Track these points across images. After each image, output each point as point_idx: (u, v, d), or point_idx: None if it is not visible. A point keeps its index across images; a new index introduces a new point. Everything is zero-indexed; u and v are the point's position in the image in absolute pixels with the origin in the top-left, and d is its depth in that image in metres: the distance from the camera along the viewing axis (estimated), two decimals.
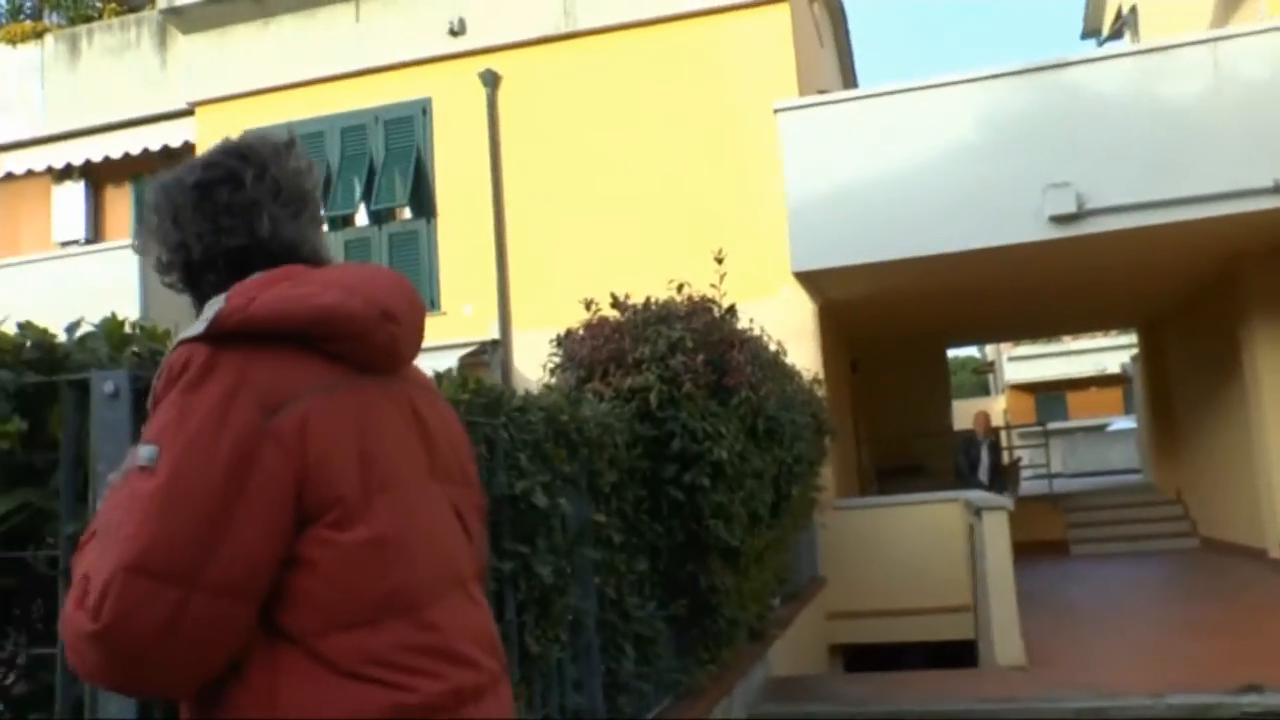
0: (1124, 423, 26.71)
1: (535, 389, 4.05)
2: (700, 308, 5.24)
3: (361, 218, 11.21)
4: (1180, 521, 13.87)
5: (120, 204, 13.30)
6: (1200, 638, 7.78)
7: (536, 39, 10.88)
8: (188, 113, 12.04)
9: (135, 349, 1.76)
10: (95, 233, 13.18)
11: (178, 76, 12.18)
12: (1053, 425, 22.02)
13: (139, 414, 1.47)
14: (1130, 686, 6.05)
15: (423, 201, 11.04)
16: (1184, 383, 14.06)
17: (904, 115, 9.30)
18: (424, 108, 11.14)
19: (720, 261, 5.52)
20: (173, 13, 11.89)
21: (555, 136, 10.71)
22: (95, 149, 12.59)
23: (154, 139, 12.27)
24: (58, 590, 1.62)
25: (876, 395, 14.94)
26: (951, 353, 20.89)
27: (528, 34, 10.89)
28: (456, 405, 2.08)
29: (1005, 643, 7.17)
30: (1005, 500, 8.13)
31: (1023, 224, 8.75)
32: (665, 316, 5.06)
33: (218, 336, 1.31)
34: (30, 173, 13.00)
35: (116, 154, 12.50)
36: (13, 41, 13.14)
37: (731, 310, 5.44)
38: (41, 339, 1.70)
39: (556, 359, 5.09)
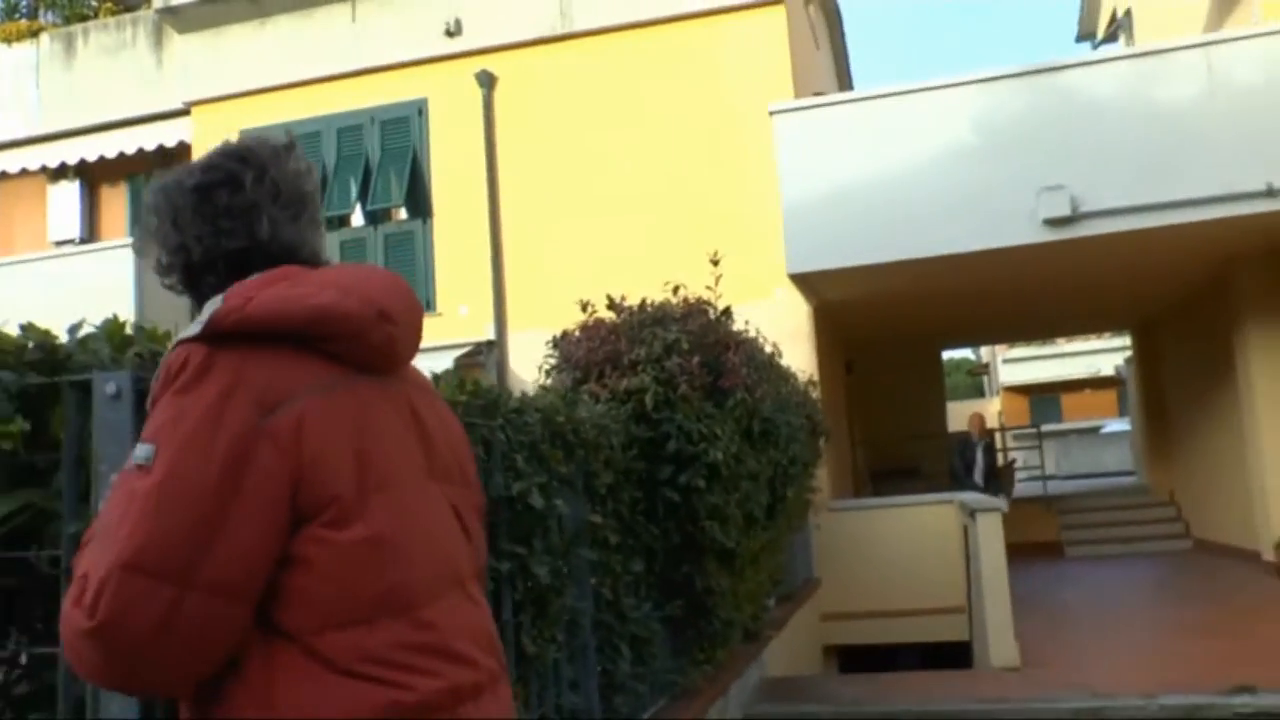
0: (1118, 425, 26.75)
1: (531, 390, 4.06)
2: (696, 310, 5.26)
3: (357, 218, 11.21)
4: (1174, 523, 13.91)
5: (115, 204, 13.29)
6: (1193, 639, 7.81)
7: (532, 40, 10.89)
8: (183, 112, 12.03)
9: (137, 350, 1.77)
10: (90, 232, 13.17)
11: (173, 76, 12.17)
12: (1047, 427, 22.03)
13: (141, 415, 1.48)
14: (1124, 687, 6.08)
15: (418, 202, 11.05)
16: (1178, 385, 14.11)
17: (899, 117, 9.33)
18: (420, 108, 11.15)
19: (716, 263, 5.54)
20: (168, 12, 11.88)
21: (551, 137, 10.72)
22: (90, 148, 12.58)
23: (149, 139, 12.26)
24: (60, 590, 1.63)
25: (871, 397, 14.97)
26: (946, 354, 20.92)
27: (524, 35, 10.90)
28: (454, 406, 2.09)
29: (999, 644, 7.19)
30: (999, 502, 8.15)
31: (1017, 227, 8.77)
32: (661, 318, 5.07)
33: (215, 336, 1.32)
34: (25, 172, 12.98)
35: (112, 154, 12.49)
36: (8, 40, 13.13)
37: (727, 312, 5.45)
38: (43, 340, 1.71)
39: (552, 360, 5.10)
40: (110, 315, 1.85)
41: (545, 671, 3.40)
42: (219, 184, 1.50)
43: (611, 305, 5.18)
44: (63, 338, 1.79)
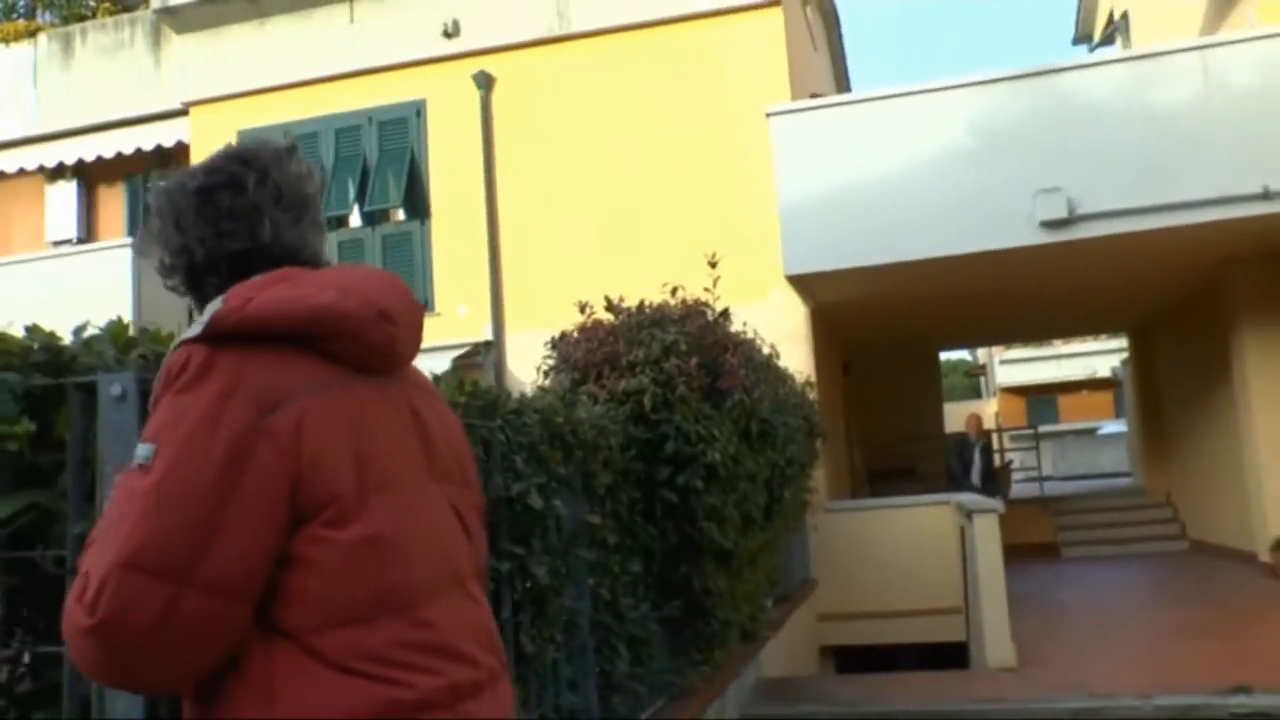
0: (1114, 426, 26.78)
1: (528, 390, 4.07)
2: (694, 311, 5.27)
3: (355, 219, 11.22)
4: (1170, 524, 13.93)
5: (113, 204, 13.28)
6: (1189, 640, 7.83)
7: (530, 41, 10.90)
8: (181, 113, 12.02)
9: (141, 351, 1.78)
10: (88, 232, 13.16)
11: (171, 76, 12.16)
12: (1044, 428, 22.04)
13: (145, 416, 1.49)
14: (1120, 688, 6.10)
15: (416, 203, 11.06)
16: (1174, 387, 14.13)
17: (896, 120, 9.34)
18: (418, 109, 11.16)
19: (714, 265, 5.56)
20: (167, 12, 11.88)
21: (548, 139, 10.73)
22: (88, 148, 12.57)
23: (147, 139, 12.25)
24: (65, 590, 1.64)
25: (868, 398, 14.99)
26: (943, 356, 20.93)
27: (521, 36, 10.91)
28: (453, 407, 2.10)
29: (996, 644, 7.21)
30: (996, 503, 8.16)
31: (1014, 229, 8.79)
32: (659, 320, 5.09)
33: (215, 337, 1.33)
34: (23, 172, 12.97)
35: (110, 154, 12.47)
36: (5, 40, 13.12)
37: (725, 314, 5.47)
38: (48, 342, 1.72)
39: (551, 361, 5.11)
40: (113, 317, 1.86)
41: (544, 671, 3.41)
42: (221, 186, 1.52)
43: (610, 307, 5.19)
44: (65, 339, 1.80)
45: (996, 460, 13.72)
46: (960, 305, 12.24)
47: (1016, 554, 9.46)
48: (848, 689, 7.01)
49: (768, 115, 9.57)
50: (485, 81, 10.90)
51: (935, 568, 9.28)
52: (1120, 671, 6.75)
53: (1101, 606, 9.71)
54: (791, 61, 10.39)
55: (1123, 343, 20.33)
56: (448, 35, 11.08)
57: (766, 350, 6.40)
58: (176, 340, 1.37)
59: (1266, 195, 8.26)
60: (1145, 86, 8.85)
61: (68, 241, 12.90)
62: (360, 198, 11.07)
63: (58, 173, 13.09)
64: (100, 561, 1.23)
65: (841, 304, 10.83)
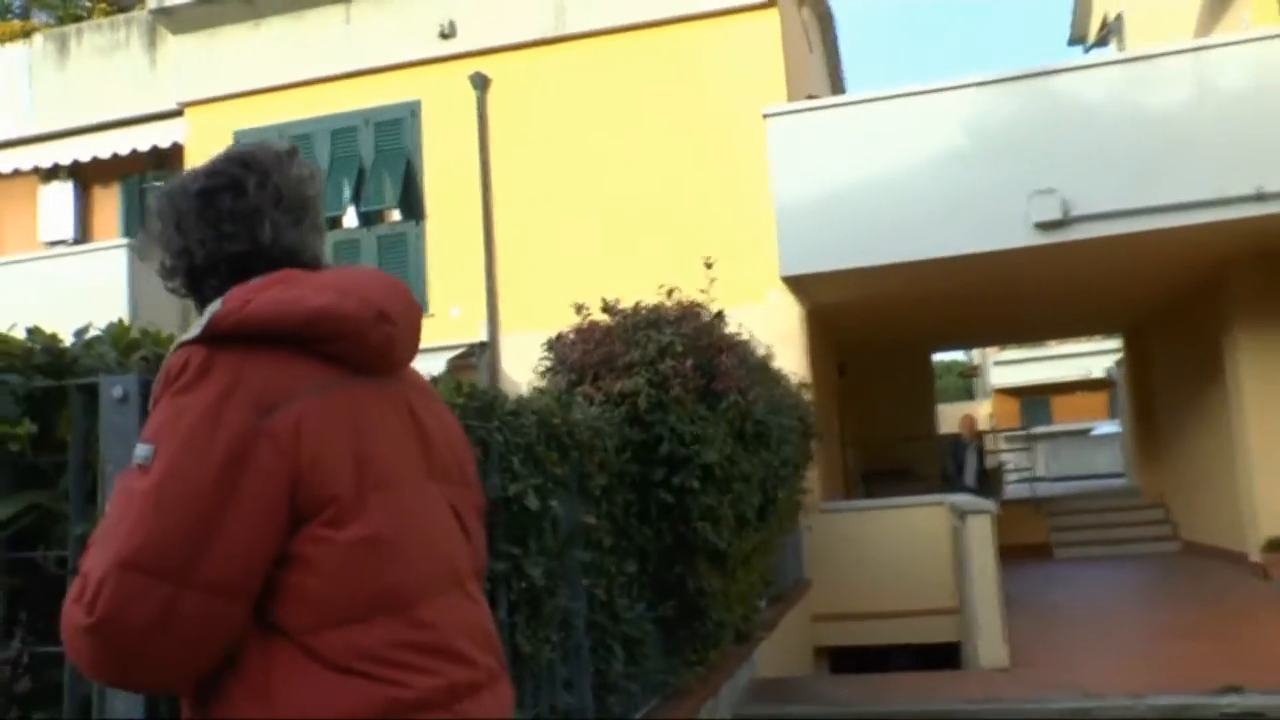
0: (1108, 427, 26.81)
1: (523, 391, 4.08)
2: (689, 312, 5.28)
3: (350, 219, 11.21)
4: (1162, 525, 13.98)
5: (108, 204, 13.26)
6: (1181, 640, 7.86)
7: (526, 42, 10.91)
8: (177, 113, 12.01)
9: (142, 353, 1.79)
10: (83, 233, 13.14)
11: (167, 77, 12.16)
12: (1037, 429, 22.13)
13: (147, 417, 1.51)
14: (1112, 688, 6.12)
15: (412, 204, 11.06)
16: (1167, 388, 14.17)
17: (891, 121, 9.36)
18: (413, 110, 11.16)
19: (710, 267, 5.58)
20: (163, 13, 11.87)
21: (544, 140, 10.74)
22: (83, 149, 12.54)
23: (143, 139, 12.24)
24: (66, 590, 1.65)
25: (863, 399, 15.01)
26: (937, 357, 20.99)
27: (518, 37, 10.92)
28: (451, 409, 2.12)
29: (989, 645, 7.24)
30: (989, 504, 8.19)
31: (1009, 230, 8.82)
32: (655, 321, 5.10)
33: (214, 338, 1.34)
34: (17, 172, 12.95)
35: (105, 154, 12.45)
36: (0, 41, 13.09)
37: (720, 315, 5.48)
38: (50, 344, 1.73)
39: (547, 362, 5.12)
40: (108, 317, 1.87)
41: (540, 671, 3.42)
42: (222, 189, 1.52)
43: (606, 308, 5.21)
44: (61, 339, 1.81)
45: (989, 461, 13.74)
46: (955, 306, 12.27)
47: (1010, 555, 9.46)
48: (841, 689, 7.02)
49: (764, 116, 9.58)
50: (481, 82, 10.91)
51: (929, 568, 9.30)
52: (1113, 671, 6.77)
53: (1094, 607, 9.74)
54: (787, 63, 10.41)
55: (1117, 344, 20.38)
56: (444, 36, 11.09)
57: (762, 351, 6.41)
58: (176, 342, 1.38)
59: (1260, 197, 8.30)
60: (1139, 88, 8.88)
61: (62, 242, 12.88)
62: (356, 198, 11.07)
63: (52, 173, 13.07)
64: (99, 561, 1.24)
65: (836, 305, 10.85)
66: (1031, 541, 13.52)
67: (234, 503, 1.27)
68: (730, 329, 5.60)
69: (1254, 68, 8.60)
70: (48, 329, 1.81)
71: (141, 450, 1.29)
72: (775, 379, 6.79)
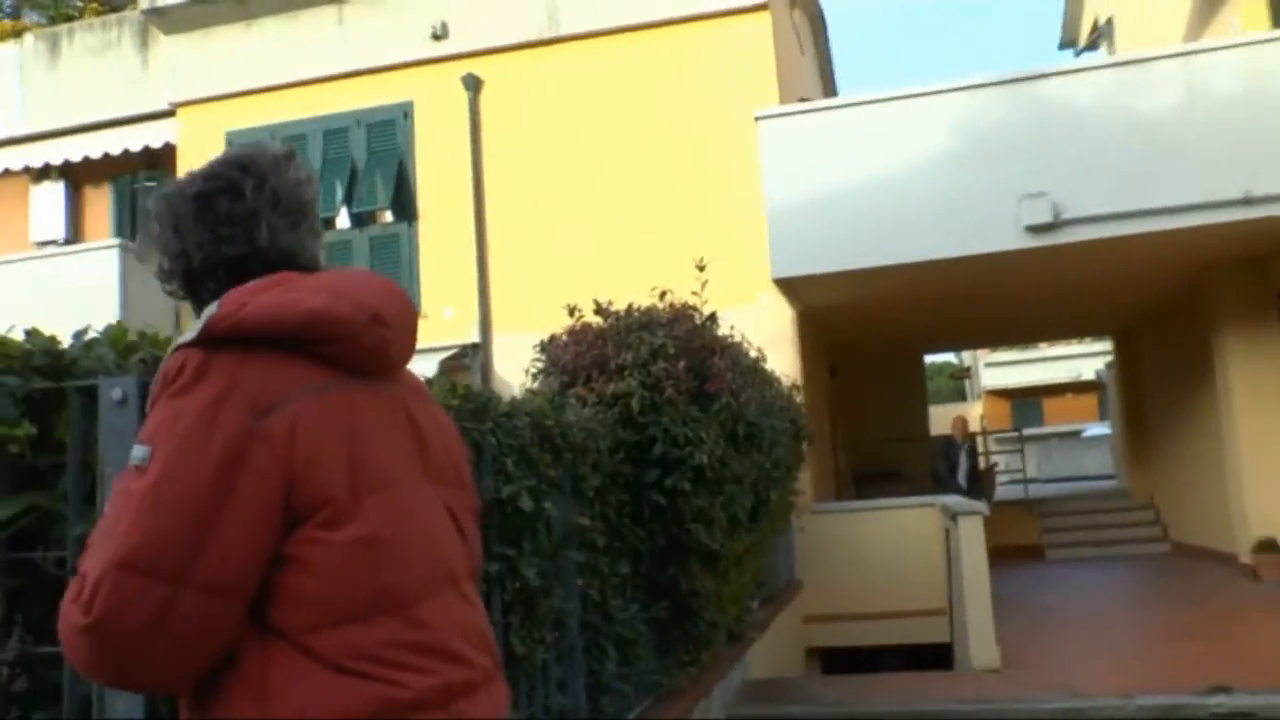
0: (1098, 429, 26.94)
1: (516, 392, 4.10)
2: (682, 315, 5.30)
3: (342, 220, 11.20)
4: (1153, 526, 14.03)
5: (100, 204, 13.23)
6: (1171, 641, 7.89)
7: (519, 44, 10.91)
8: (169, 114, 11.99)
9: (141, 356, 1.80)
10: (74, 233, 13.11)
11: (159, 77, 12.13)
12: (1028, 431, 22.18)
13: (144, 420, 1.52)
14: (1102, 688, 6.15)
15: (404, 205, 11.06)
16: (1157, 389, 14.23)
17: (883, 124, 9.38)
18: (406, 111, 11.16)
19: (702, 269, 5.59)
20: (155, 13, 11.85)
21: (537, 141, 10.74)
22: (75, 149, 12.52)
23: (135, 139, 12.21)
24: (64, 590, 1.66)
25: (854, 400, 15.05)
26: (929, 358, 21.04)
27: (510, 39, 10.92)
28: (445, 410, 2.13)
29: (980, 645, 7.26)
30: (981, 505, 8.22)
31: (999, 233, 8.85)
32: (647, 323, 5.11)
33: (211, 341, 1.35)
34: (8, 172, 12.91)
35: (96, 154, 12.43)
36: None
37: (713, 317, 5.50)
38: (49, 346, 1.74)
39: (540, 364, 5.13)
40: (99, 318, 1.88)
41: (534, 671, 3.44)
42: (220, 192, 1.53)
43: (598, 310, 5.22)
44: (57, 341, 1.82)
45: (982, 463, 13.79)
46: (946, 308, 12.30)
47: (1001, 556, 9.52)
48: (833, 690, 7.04)
49: (755, 119, 9.60)
50: (474, 84, 10.92)
51: (920, 569, 9.33)
52: (1103, 672, 6.80)
53: (1085, 608, 9.78)
54: (779, 65, 10.43)
55: (1107, 346, 20.44)
56: (436, 37, 11.09)
57: (753, 353, 6.43)
58: (173, 345, 1.39)
59: (1248, 201, 8.34)
60: (1129, 92, 8.92)
61: (53, 242, 12.85)
62: (348, 199, 11.06)
63: (44, 173, 13.04)
64: (96, 561, 1.25)
65: (828, 307, 10.87)
66: (1023, 543, 13.58)
67: (230, 504, 1.28)
68: (722, 331, 5.61)
69: (1243, 72, 8.65)
70: (40, 329, 1.82)
71: (138, 452, 1.30)
72: (767, 381, 6.80)
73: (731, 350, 5.61)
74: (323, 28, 11.44)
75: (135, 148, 12.22)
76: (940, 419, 17.83)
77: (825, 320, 11.55)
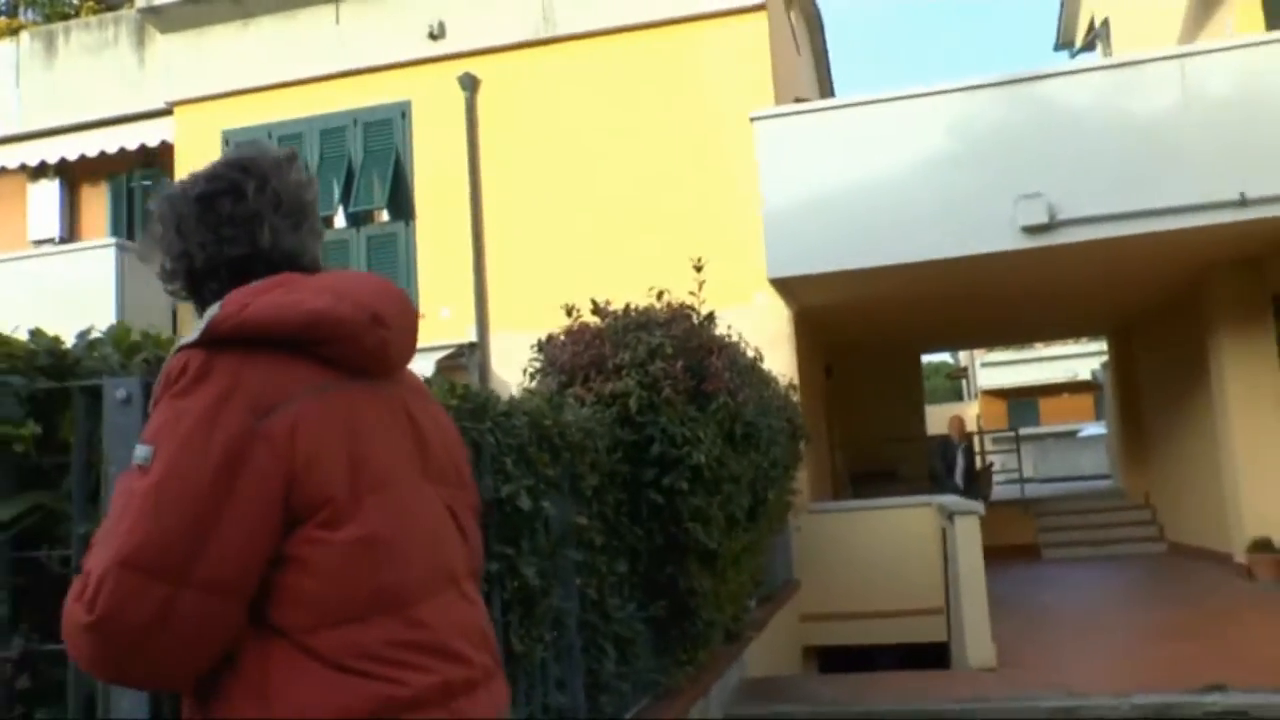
0: (1094, 429, 26.99)
1: (513, 391, 4.10)
2: (679, 314, 5.31)
3: (340, 220, 11.21)
4: (1148, 526, 14.06)
5: (96, 203, 13.22)
6: (1167, 640, 7.91)
7: (516, 44, 10.92)
8: (166, 112, 11.97)
9: (144, 356, 1.81)
10: (70, 232, 13.09)
11: (156, 76, 12.12)
12: (1024, 431, 22.20)
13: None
14: (1098, 687, 6.17)
15: (401, 204, 11.06)
16: (1153, 390, 14.26)
17: (879, 125, 9.40)
18: (403, 110, 11.16)
19: (699, 269, 5.60)
20: (151, 12, 11.84)
21: (533, 141, 10.75)
22: (71, 147, 12.50)
23: (131, 138, 12.20)
24: (68, 589, 1.67)
25: (851, 400, 15.06)
26: (925, 358, 21.05)
27: (507, 38, 10.93)
28: (445, 410, 2.14)
29: (976, 645, 7.28)
30: (977, 505, 8.24)
31: (996, 233, 8.86)
32: (645, 323, 5.12)
33: (213, 342, 1.36)
34: (4, 170, 12.90)
35: (93, 153, 12.41)
36: None
37: (710, 317, 5.51)
38: (52, 346, 1.75)
39: (537, 363, 5.14)
40: (99, 317, 1.89)
41: (533, 670, 3.45)
42: (222, 193, 1.55)
43: (596, 310, 5.23)
44: (64, 341, 1.82)
45: (978, 462, 13.81)
46: (942, 308, 12.32)
47: (997, 555, 9.52)
48: (830, 689, 7.05)
49: (752, 119, 9.61)
50: (470, 83, 10.92)
51: (917, 569, 9.34)
52: (1099, 671, 6.82)
53: (1081, 607, 9.80)
54: (775, 65, 10.44)
55: (1103, 346, 20.49)
56: (433, 37, 11.09)
57: (750, 353, 6.44)
58: (175, 345, 1.40)
59: (1243, 202, 8.36)
60: (1125, 94, 8.94)
61: (50, 241, 12.83)
62: (345, 199, 11.06)
63: (40, 171, 13.02)
64: (99, 560, 1.26)
65: (825, 307, 10.89)
66: (1019, 542, 13.60)
67: (230, 504, 1.29)
68: (719, 331, 5.62)
69: (1238, 74, 8.67)
70: (43, 329, 1.83)
71: (141, 451, 1.31)
72: (764, 381, 6.81)
73: (729, 350, 5.62)
74: (320, 27, 11.44)
75: (131, 146, 12.20)
76: (937, 419, 17.87)
77: (822, 320, 11.57)
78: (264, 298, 1.40)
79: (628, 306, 5.27)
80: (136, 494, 1.28)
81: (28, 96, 12.73)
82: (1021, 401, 34.47)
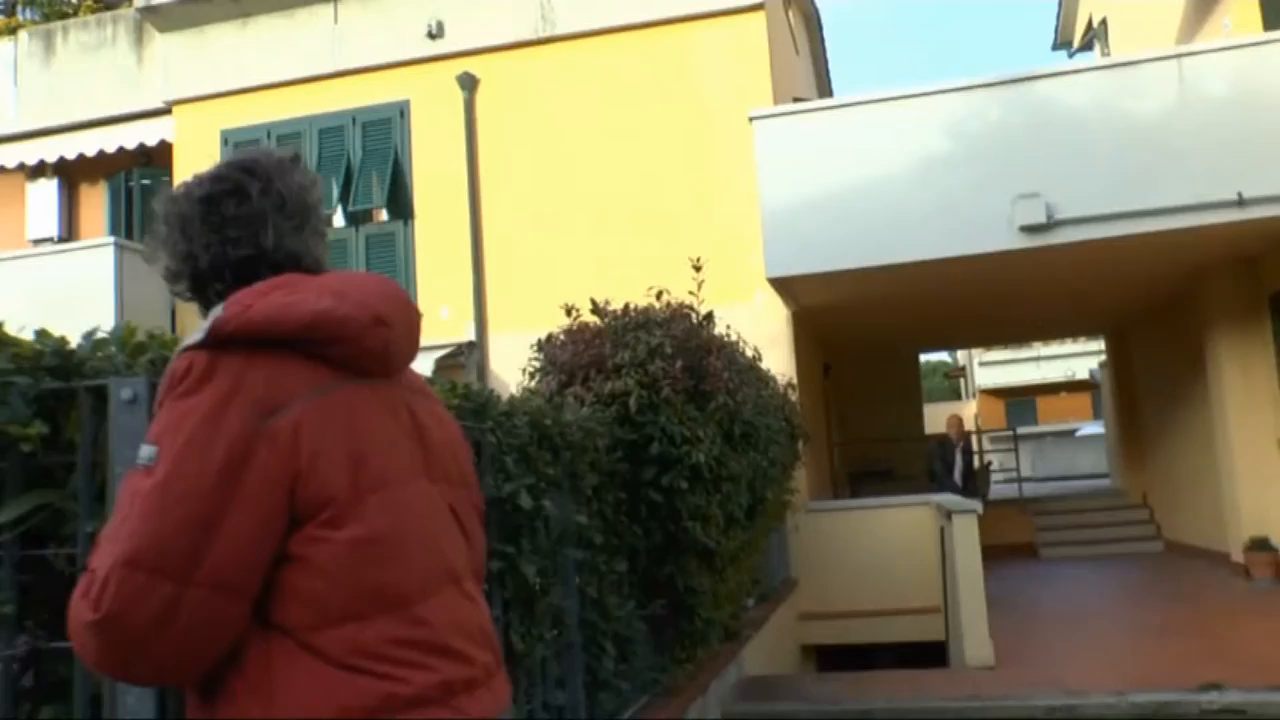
0: (1092, 428, 27.01)
1: (512, 391, 4.12)
2: (679, 314, 5.32)
3: (338, 219, 11.21)
4: (1145, 525, 14.08)
5: (95, 202, 13.22)
6: (1164, 638, 7.93)
7: (514, 43, 10.93)
8: (164, 112, 11.98)
9: (150, 356, 1.82)
10: (69, 231, 13.09)
11: (154, 75, 12.13)
12: (1022, 430, 22.23)
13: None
14: (1095, 685, 6.18)
15: (400, 203, 11.07)
16: (1150, 389, 14.28)
17: (877, 124, 9.40)
18: (402, 110, 11.17)
19: (698, 269, 5.61)
20: (150, 11, 11.84)
21: (532, 140, 10.76)
22: (70, 146, 12.50)
23: (130, 137, 12.20)
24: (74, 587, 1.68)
25: (849, 399, 15.09)
26: (923, 357, 21.07)
27: (505, 38, 10.94)
28: (448, 409, 2.15)
29: (974, 643, 7.29)
30: (975, 503, 8.25)
31: (994, 233, 8.87)
32: (644, 323, 5.13)
33: (217, 343, 1.37)
34: (3, 170, 12.90)
35: (91, 152, 12.41)
36: None
37: (709, 317, 5.52)
38: (59, 346, 1.76)
39: (537, 363, 5.15)
40: (98, 316, 1.90)
41: (533, 669, 3.46)
42: (226, 194, 1.56)
43: (596, 309, 5.24)
44: (70, 341, 1.84)
45: (976, 461, 13.83)
46: (940, 308, 12.33)
47: (995, 554, 9.55)
48: (828, 687, 7.07)
49: (750, 119, 9.61)
50: (469, 83, 10.93)
51: (914, 568, 9.36)
52: (1096, 669, 6.83)
53: (1078, 606, 9.81)
54: (774, 65, 10.46)
55: (1101, 345, 20.51)
56: (432, 36, 11.10)
57: (749, 353, 6.45)
58: (180, 346, 1.41)
59: (1241, 202, 8.37)
60: (1123, 94, 8.94)
61: (49, 240, 12.83)
62: (344, 198, 11.07)
63: (39, 170, 13.02)
64: (104, 558, 1.27)
65: (823, 307, 10.90)
66: (1017, 541, 13.62)
67: (234, 503, 1.30)
68: (718, 330, 5.64)
69: (1235, 74, 8.68)
70: (36, 327, 1.84)
71: (146, 451, 1.32)
72: (762, 380, 6.83)
73: (728, 349, 5.63)
74: (318, 26, 11.45)
75: (130, 145, 12.21)
76: (935, 418, 17.90)
77: (820, 319, 11.58)
78: (267, 299, 1.41)
79: (627, 306, 5.28)
80: (141, 493, 1.29)
81: (26, 96, 12.73)
82: (1019, 401, 34.53)
